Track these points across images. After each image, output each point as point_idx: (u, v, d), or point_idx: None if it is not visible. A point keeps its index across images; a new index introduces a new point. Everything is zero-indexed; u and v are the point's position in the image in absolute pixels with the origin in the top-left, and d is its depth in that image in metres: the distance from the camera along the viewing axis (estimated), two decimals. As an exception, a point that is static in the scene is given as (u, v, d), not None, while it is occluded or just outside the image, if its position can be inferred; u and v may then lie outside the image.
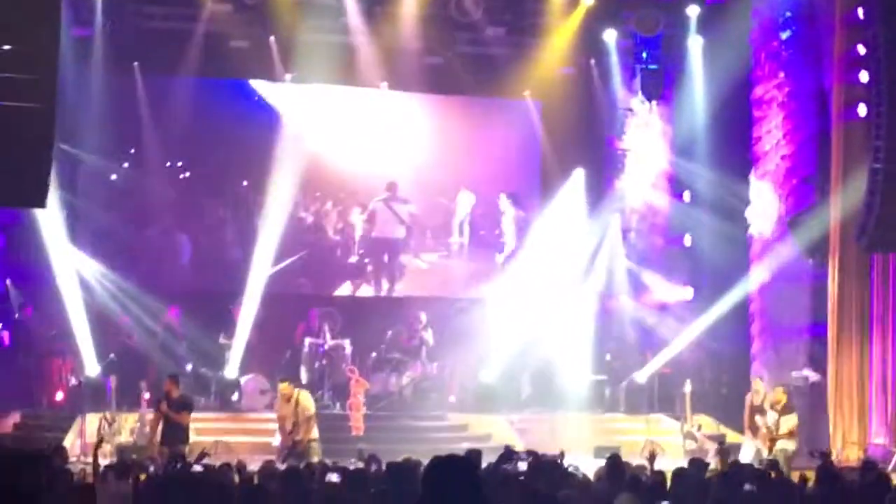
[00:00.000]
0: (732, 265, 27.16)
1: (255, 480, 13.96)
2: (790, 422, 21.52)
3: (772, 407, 21.78)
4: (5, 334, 25.90)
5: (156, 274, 27.86)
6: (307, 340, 27.22)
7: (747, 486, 13.72)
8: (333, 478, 13.02)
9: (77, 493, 12.48)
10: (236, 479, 14.33)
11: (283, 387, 21.90)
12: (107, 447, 21.90)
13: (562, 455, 16.71)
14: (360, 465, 16.77)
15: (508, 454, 16.28)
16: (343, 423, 24.61)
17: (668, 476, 14.98)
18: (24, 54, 18.00)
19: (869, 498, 12.71)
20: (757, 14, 26.58)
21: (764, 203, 26.47)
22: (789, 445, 21.22)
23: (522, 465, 15.15)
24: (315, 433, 21.28)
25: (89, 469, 17.85)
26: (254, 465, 16.00)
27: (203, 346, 26.64)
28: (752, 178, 26.72)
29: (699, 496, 12.48)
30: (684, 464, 17.22)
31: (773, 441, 21.25)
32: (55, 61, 18.59)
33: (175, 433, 20.37)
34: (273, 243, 27.49)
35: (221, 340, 26.40)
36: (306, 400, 21.69)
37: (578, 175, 29.43)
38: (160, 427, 20.53)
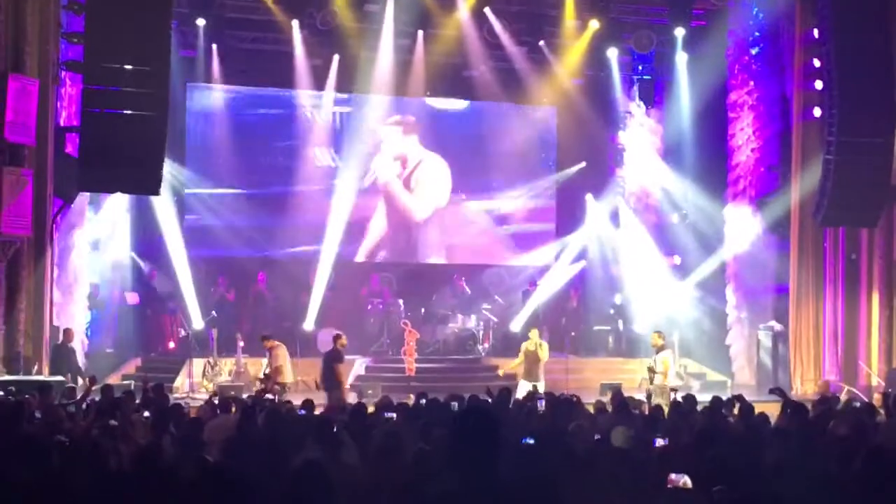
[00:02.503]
0: (712, 237, 27.05)
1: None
2: (664, 358, 20.57)
3: (654, 348, 21.41)
4: (136, 295, 26.03)
5: (249, 248, 27.91)
6: (370, 299, 27.30)
7: (730, 419, 13.66)
8: (391, 414, 13.00)
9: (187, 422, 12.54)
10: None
11: (269, 341, 21.58)
12: (209, 385, 22.08)
13: (574, 397, 16.68)
14: (412, 399, 16.76)
15: (532, 394, 16.29)
16: (399, 366, 24.58)
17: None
18: (142, 73, 18.06)
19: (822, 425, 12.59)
20: (731, 34, 26.41)
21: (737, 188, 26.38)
22: (663, 380, 20.17)
23: (542, 404, 15.11)
24: (283, 378, 20.95)
25: (194, 403, 18.00)
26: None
27: (285, 305, 26.73)
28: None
29: (689, 426, 12.38)
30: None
31: (652, 374, 20.78)
32: (167, 78, 18.64)
33: (331, 379, 20.08)
34: (342, 223, 27.56)
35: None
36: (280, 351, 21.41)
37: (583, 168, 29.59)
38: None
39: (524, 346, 21.61)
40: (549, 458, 9.36)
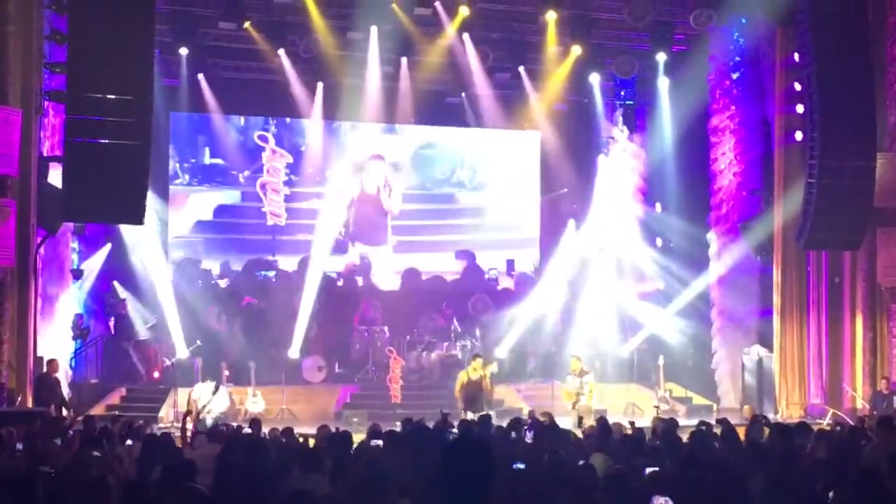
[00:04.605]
0: (695, 261, 27.11)
1: (311, 443, 13.92)
2: (592, 382, 21.55)
3: (572, 373, 21.69)
4: (111, 324, 25.98)
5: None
6: (361, 327, 27.30)
7: (717, 444, 13.66)
8: (377, 442, 12.99)
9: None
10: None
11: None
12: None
13: (550, 417, 16.83)
14: (398, 425, 16.76)
15: (516, 422, 16.29)
16: (385, 393, 24.61)
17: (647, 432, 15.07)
18: (125, 102, 18.03)
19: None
20: (713, 59, 26.56)
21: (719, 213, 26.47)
22: (588, 401, 21.16)
23: (528, 434, 15.10)
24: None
25: (179, 433, 17.91)
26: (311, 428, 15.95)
27: (273, 333, 26.70)
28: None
29: (675, 452, 12.38)
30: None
31: (577, 398, 21.12)
32: (150, 107, 18.62)
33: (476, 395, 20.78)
34: (326, 250, 27.74)
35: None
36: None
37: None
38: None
39: (462, 374, 21.48)
40: (537, 484, 9.38)
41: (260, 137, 29.02)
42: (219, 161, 29.03)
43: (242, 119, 29.16)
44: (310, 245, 28.15)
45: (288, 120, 29.25)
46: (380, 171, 29.91)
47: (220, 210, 29.12)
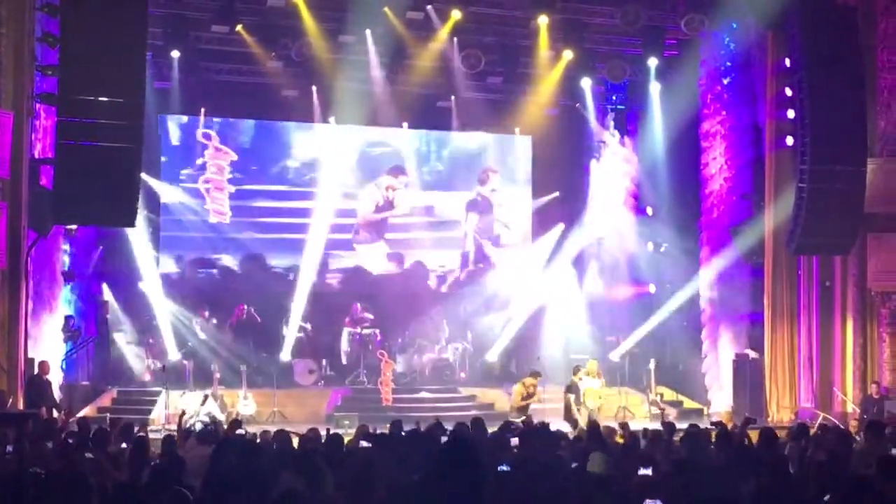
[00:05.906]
0: (686, 265, 27.12)
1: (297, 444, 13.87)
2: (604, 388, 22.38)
3: (592, 375, 22.03)
4: (91, 326, 25.89)
5: (225, 278, 28.18)
6: (346, 330, 27.24)
7: (711, 447, 13.66)
8: (366, 443, 12.98)
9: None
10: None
11: None
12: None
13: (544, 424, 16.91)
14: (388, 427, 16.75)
15: (507, 426, 16.30)
16: (376, 396, 24.64)
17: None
18: (117, 105, 17.99)
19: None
20: (704, 64, 26.59)
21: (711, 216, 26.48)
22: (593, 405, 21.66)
23: (515, 440, 15.09)
24: None
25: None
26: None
27: (264, 337, 26.65)
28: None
29: (665, 455, 12.38)
30: (647, 426, 17.21)
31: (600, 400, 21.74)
32: (141, 110, 18.58)
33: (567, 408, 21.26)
34: (317, 255, 27.71)
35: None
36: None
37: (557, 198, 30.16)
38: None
39: (520, 387, 21.86)
40: (529, 488, 9.35)
41: (203, 135, 28.71)
42: (162, 158, 28.47)
43: (185, 117, 28.62)
44: (256, 243, 28.51)
45: (231, 119, 28.97)
46: (388, 183, 30.00)
47: (164, 208, 28.49)
